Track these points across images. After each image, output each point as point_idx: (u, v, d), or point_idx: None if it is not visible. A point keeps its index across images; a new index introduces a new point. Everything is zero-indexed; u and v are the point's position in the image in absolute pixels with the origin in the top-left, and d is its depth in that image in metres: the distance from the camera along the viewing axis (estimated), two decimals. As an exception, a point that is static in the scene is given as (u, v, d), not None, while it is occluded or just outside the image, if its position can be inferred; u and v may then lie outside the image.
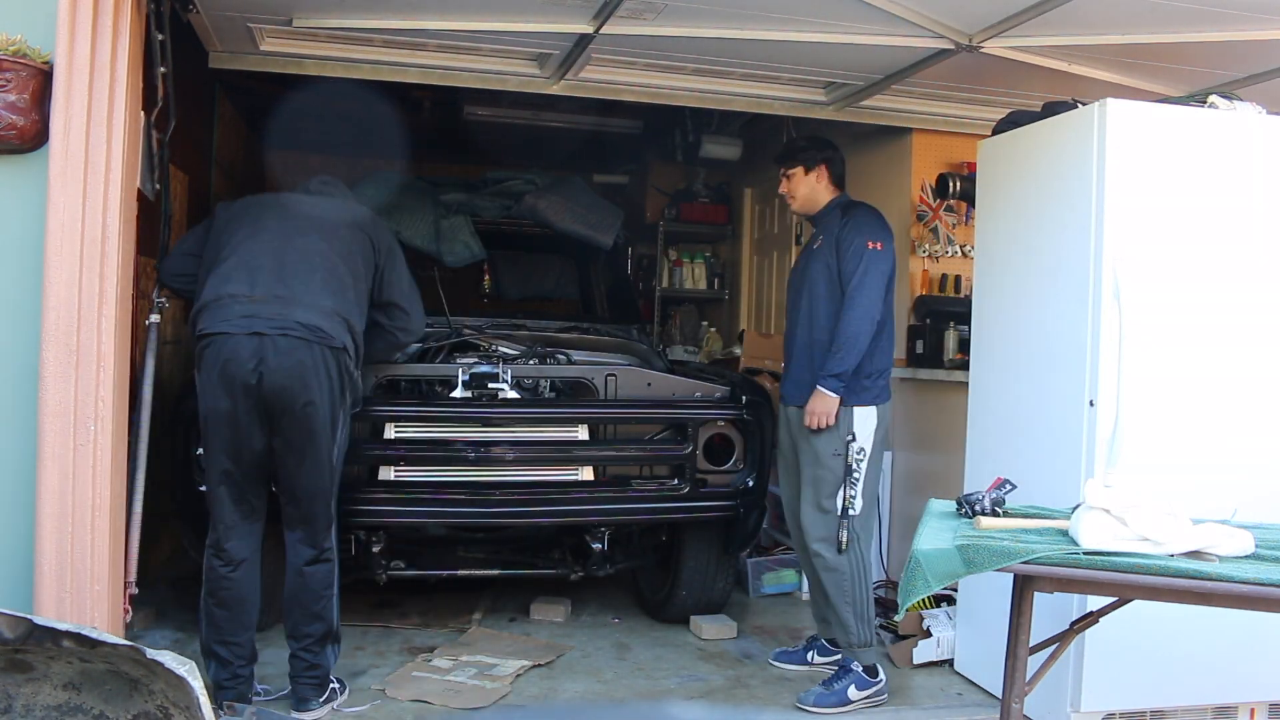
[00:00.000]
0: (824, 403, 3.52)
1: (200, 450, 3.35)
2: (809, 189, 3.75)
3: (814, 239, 3.76)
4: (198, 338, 3.06)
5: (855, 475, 3.50)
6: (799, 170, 3.74)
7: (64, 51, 2.66)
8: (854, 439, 3.53)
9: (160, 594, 4.30)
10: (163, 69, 3.16)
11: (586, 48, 3.89)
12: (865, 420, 3.56)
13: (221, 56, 4.13)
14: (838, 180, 3.77)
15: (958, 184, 4.63)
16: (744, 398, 3.96)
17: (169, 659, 2.12)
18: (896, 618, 3.93)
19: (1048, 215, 3.42)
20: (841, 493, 3.51)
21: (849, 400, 3.54)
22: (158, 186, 3.33)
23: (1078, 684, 3.17)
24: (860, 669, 3.51)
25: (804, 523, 3.62)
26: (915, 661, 3.85)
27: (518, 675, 3.61)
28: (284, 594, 3.24)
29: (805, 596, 4.79)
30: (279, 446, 3.09)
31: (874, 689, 3.50)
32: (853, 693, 3.47)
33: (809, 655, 3.85)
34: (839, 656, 3.67)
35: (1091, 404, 3.18)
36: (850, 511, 3.50)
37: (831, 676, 3.56)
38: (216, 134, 5.91)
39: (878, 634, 3.63)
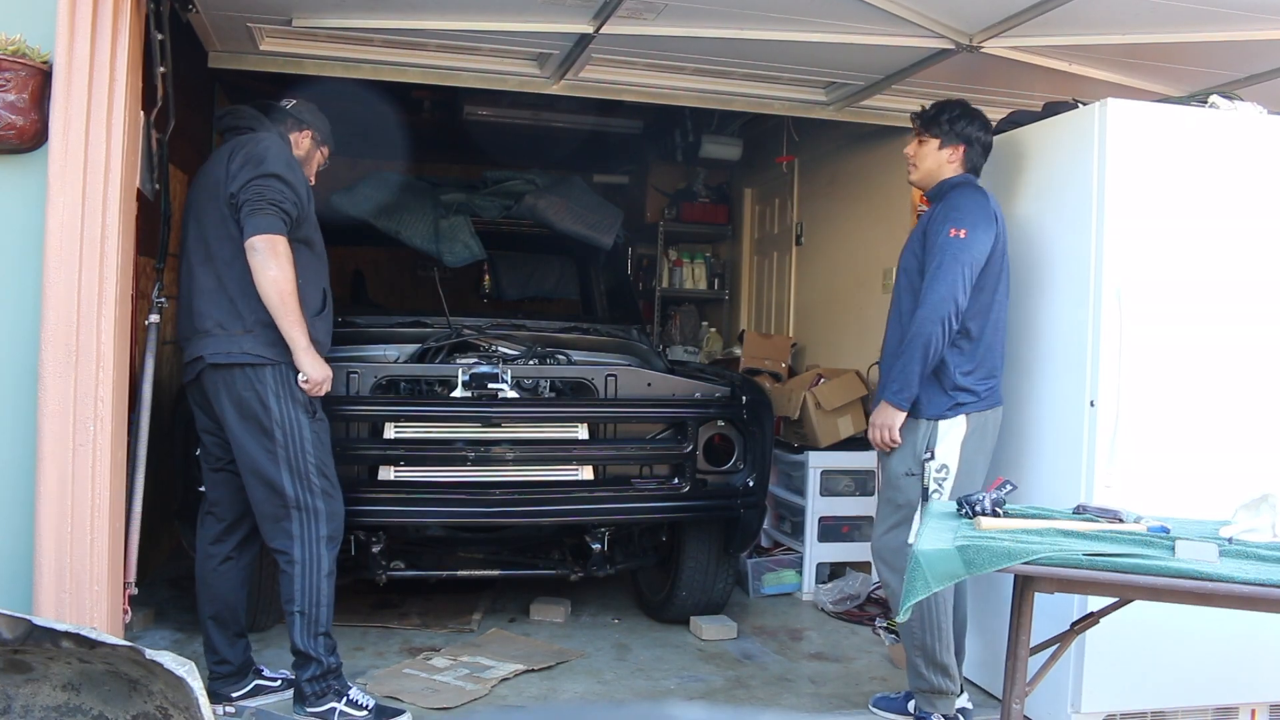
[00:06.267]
0: (883, 414, 3.17)
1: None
2: (935, 163, 3.32)
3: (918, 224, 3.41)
4: None
5: (937, 497, 3.08)
6: (934, 141, 3.31)
7: (63, 51, 2.66)
8: (932, 456, 3.13)
9: (160, 594, 4.30)
10: (162, 69, 3.16)
11: (586, 48, 3.88)
12: (950, 433, 3.16)
13: (221, 56, 4.13)
14: (970, 165, 3.33)
15: (958, 184, 4.62)
16: (744, 398, 3.95)
17: (168, 659, 2.12)
18: (898, 618, 3.92)
19: (1048, 215, 3.42)
20: (917, 519, 3.06)
21: (926, 412, 3.16)
22: (157, 186, 3.32)
23: (1078, 684, 3.17)
24: None
25: (873, 550, 3.38)
26: (915, 662, 3.84)
27: (503, 679, 3.59)
28: None
29: (805, 597, 4.79)
30: None
31: None
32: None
33: (910, 704, 3.34)
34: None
35: (1092, 404, 3.18)
36: None
37: None
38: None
39: (948, 677, 3.19)
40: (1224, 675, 3.21)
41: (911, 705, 3.32)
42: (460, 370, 3.75)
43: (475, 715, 3.32)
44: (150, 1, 2.97)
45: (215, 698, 3.11)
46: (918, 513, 3.10)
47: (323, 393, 3.14)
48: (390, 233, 4.65)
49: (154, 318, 3.25)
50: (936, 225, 3.18)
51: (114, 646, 2.15)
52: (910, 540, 3.03)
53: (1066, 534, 2.43)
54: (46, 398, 2.65)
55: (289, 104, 3.43)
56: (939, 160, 3.32)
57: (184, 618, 4.05)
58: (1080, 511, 2.67)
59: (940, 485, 3.14)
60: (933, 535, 2.48)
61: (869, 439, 3.29)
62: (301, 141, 3.38)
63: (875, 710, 3.42)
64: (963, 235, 3.11)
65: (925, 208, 4.90)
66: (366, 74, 4.22)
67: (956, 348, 3.16)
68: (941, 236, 3.14)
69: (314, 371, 3.07)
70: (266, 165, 3.04)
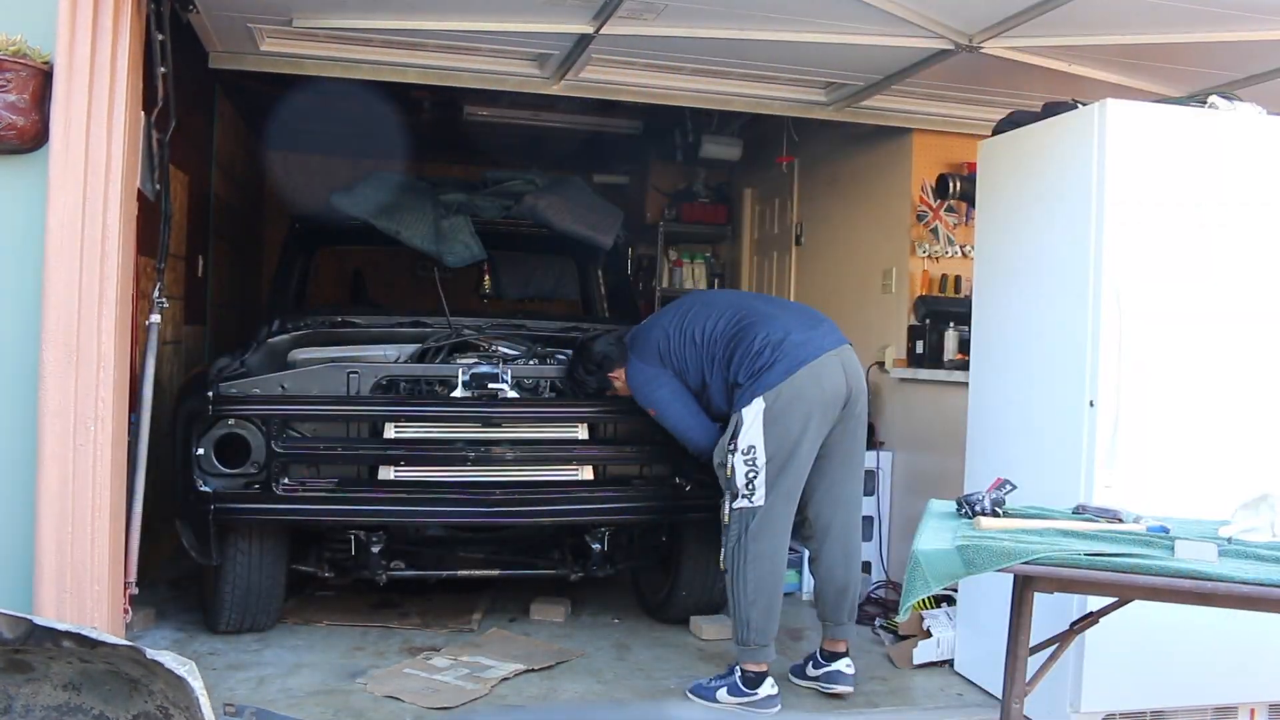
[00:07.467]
0: None
1: (200, 451, 3.36)
2: None
3: None
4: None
5: (750, 475, 3.34)
6: None
7: (64, 51, 2.66)
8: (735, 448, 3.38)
9: (160, 594, 4.31)
10: (163, 69, 3.16)
11: (586, 48, 3.89)
12: (750, 418, 3.37)
13: (221, 56, 4.13)
14: None
15: (958, 184, 4.63)
16: (744, 398, 3.95)
17: (169, 659, 2.12)
18: (898, 618, 3.92)
19: (1048, 215, 3.42)
20: (725, 502, 3.42)
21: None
22: (158, 186, 3.33)
23: (1078, 684, 3.17)
24: (738, 674, 3.41)
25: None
26: (915, 662, 3.84)
27: (503, 679, 3.59)
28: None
29: (805, 597, 4.79)
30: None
31: (745, 699, 3.39)
32: (721, 695, 3.42)
33: (719, 691, 3.47)
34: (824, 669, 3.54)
35: (1091, 404, 3.18)
36: (739, 503, 3.37)
37: (724, 671, 3.51)
38: (216, 134, 5.91)
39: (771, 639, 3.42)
40: (1224, 675, 3.21)
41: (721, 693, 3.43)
42: (460, 370, 3.75)
43: (475, 715, 3.32)
44: (151, 2, 2.97)
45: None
46: None
47: None
48: (390, 233, 4.65)
49: (154, 318, 3.25)
50: None
51: (115, 646, 2.15)
52: None
53: (1066, 534, 2.43)
54: (47, 398, 2.65)
55: None
56: None
57: (184, 618, 4.06)
58: (1080, 511, 2.68)
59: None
60: (932, 535, 2.49)
61: None
62: None
63: (691, 696, 3.50)
64: None
65: (925, 207, 4.93)
66: (366, 74, 4.22)
67: None
68: None
69: None
70: None
